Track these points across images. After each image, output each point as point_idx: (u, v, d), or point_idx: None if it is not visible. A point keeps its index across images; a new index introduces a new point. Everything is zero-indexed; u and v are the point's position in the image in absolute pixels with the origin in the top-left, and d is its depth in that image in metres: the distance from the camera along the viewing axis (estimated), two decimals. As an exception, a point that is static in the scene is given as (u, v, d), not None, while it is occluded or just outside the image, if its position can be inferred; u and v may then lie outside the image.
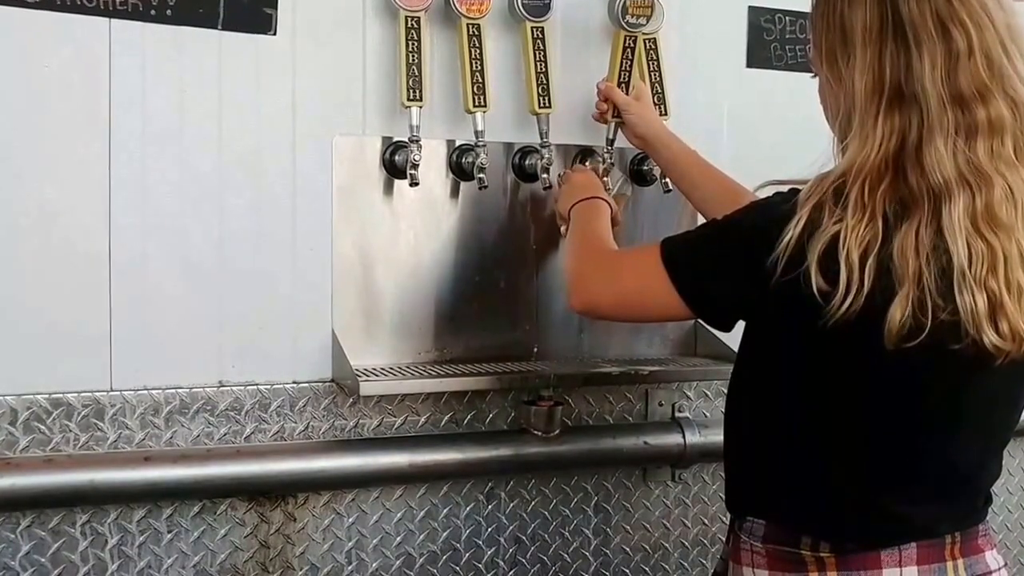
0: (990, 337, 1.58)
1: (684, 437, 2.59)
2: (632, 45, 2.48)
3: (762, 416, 1.80)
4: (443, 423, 2.44)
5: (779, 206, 1.65)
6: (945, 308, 1.57)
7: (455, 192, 2.44)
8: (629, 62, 2.48)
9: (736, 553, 1.83)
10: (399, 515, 2.41)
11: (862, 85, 1.64)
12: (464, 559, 2.48)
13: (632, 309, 1.91)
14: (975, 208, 1.58)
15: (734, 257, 1.69)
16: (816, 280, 1.57)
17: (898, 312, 1.56)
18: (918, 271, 1.56)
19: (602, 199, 2.22)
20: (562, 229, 2.31)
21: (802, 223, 1.59)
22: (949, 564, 1.74)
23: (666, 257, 1.77)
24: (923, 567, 1.72)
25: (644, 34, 2.51)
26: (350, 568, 2.37)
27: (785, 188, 1.71)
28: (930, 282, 1.56)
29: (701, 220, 2.59)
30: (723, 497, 2.67)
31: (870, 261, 1.56)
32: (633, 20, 2.47)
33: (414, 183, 2.29)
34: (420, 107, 2.29)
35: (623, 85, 2.47)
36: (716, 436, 2.57)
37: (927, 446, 1.70)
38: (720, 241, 1.75)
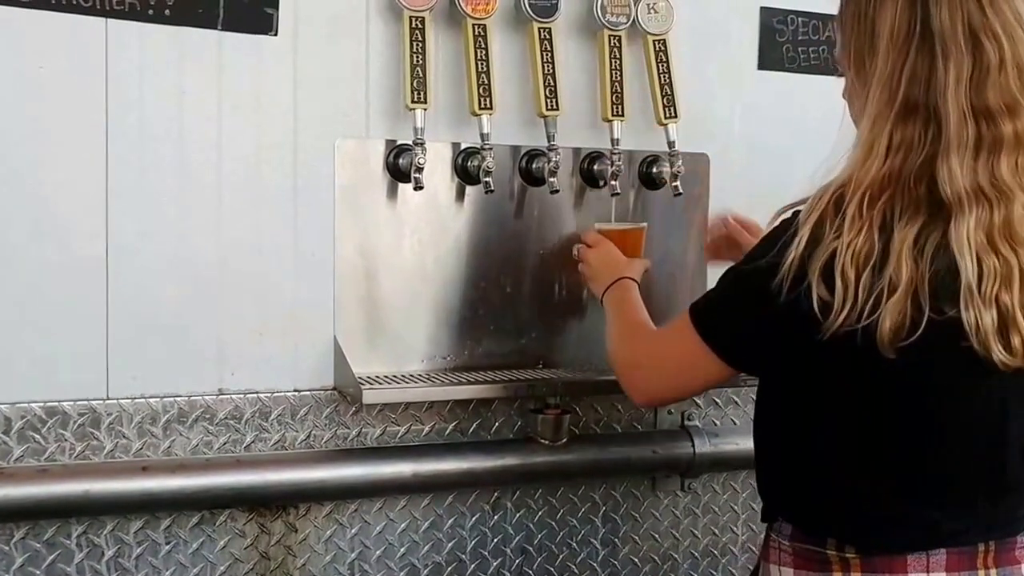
0: (998, 354, 1.59)
1: (693, 446, 2.56)
2: (619, 44, 2.44)
3: (784, 425, 1.80)
4: (448, 432, 2.40)
5: (783, 233, 1.65)
6: (955, 306, 1.57)
7: (460, 196, 2.39)
8: (618, 61, 2.44)
9: (766, 551, 1.83)
10: (403, 526, 2.37)
11: (878, 92, 1.63)
12: (469, 570, 2.44)
13: (685, 384, 1.91)
14: (992, 222, 1.57)
15: (749, 296, 1.70)
16: (817, 294, 1.58)
17: (889, 319, 1.56)
18: (916, 277, 1.56)
19: (626, 278, 2.22)
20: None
21: (803, 242, 1.60)
22: (981, 573, 1.72)
23: (694, 319, 1.79)
24: (952, 575, 1.70)
25: (653, 35, 2.46)
26: (352, 580, 2.34)
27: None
28: (930, 284, 1.56)
29: (711, 219, 2.58)
30: (733, 507, 2.67)
31: (865, 274, 1.56)
32: (614, 19, 2.42)
33: (418, 187, 2.25)
34: (424, 109, 2.24)
35: (616, 84, 2.43)
36: (726, 445, 2.56)
37: (950, 451, 1.69)
38: (736, 286, 1.76)
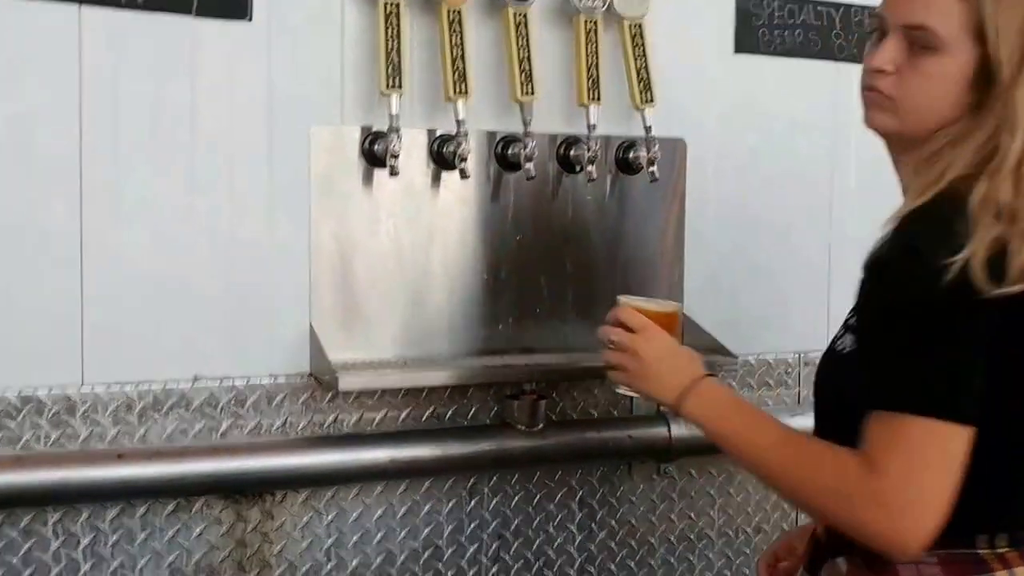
0: None
1: (670, 430, 2.55)
2: (594, 29, 2.43)
3: None
4: (424, 418, 2.40)
5: (932, 244, 1.57)
6: None
7: (436, 182, 2.38)
8: (594, 46, 2.43)
9: (894, 566, 1.66)
10: (379, 512, 2.37)
11: None
12: (446, 556, 2.44)
13: (944, 492, 1.59)
14: None
15: (931, 331, 1.59)
16: (979, 276, 1.53)
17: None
18: None
19: (708, 375, 1.84)
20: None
21: (978, 233, 1.55)
22: None
23: (896, 403, 1.59)
24: None
25: (629, 19, 2.46)
26: (329, 566, 2.33)
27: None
28: None
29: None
30: (709, 492, 2.67)
31: None
32: (589, 4, 2.42)
33: (394, 173, 2.24)
34: (399, 95, 2.23)
35: (592, 69, 2.42)
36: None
37: None
38: (910, 332, 1.61)
